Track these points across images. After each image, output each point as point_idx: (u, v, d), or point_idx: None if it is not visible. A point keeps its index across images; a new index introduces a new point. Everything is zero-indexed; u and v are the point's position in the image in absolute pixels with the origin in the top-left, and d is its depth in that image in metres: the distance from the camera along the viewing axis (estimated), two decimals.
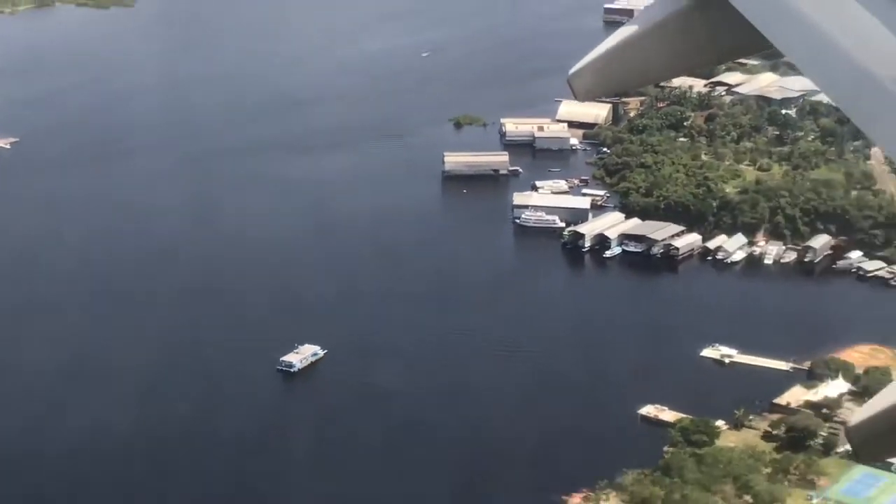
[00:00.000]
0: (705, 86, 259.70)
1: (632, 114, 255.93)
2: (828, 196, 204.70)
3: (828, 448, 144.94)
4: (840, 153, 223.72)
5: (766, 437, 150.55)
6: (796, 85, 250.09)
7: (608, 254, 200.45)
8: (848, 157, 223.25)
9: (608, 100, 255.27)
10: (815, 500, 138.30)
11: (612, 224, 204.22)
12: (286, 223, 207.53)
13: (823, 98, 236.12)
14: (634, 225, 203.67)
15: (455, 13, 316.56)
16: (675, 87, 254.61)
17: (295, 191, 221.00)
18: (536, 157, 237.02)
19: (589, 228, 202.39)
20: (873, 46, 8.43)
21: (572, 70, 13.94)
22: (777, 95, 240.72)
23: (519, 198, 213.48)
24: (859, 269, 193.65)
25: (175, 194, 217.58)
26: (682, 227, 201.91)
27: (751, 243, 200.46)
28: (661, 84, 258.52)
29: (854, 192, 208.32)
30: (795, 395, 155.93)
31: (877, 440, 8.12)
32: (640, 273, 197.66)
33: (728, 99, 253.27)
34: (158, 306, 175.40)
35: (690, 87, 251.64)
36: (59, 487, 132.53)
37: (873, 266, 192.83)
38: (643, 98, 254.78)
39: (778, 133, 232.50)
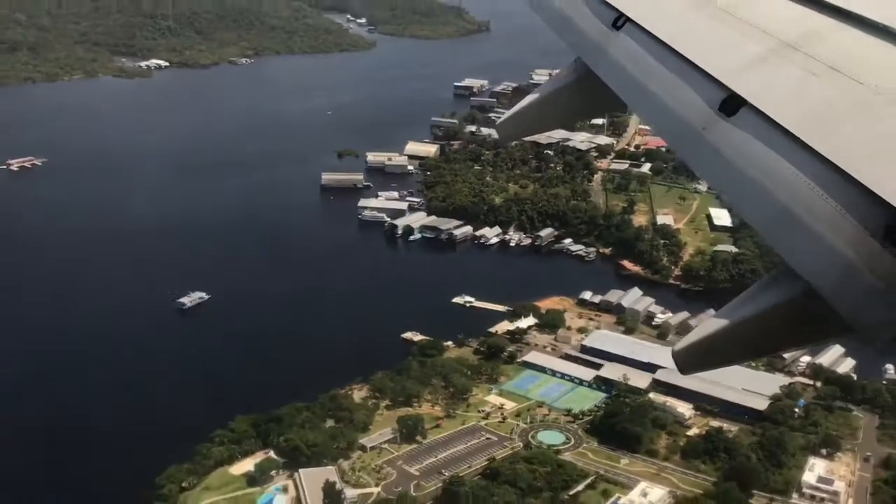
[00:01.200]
0: None
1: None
2: (555, 204, 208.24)
3: (511, 358, 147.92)
4: (573, 178, 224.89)
5: (475, 352, 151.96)
6: (556, 134, 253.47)
7: (411, 238, 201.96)
8: (577, 180, 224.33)
9: (438, 142, 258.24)
10: (493, 390, 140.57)
11: (418, 219, 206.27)
12: (205, 212, 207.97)
13: (571, 143, 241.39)
14: (431, 220, 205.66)
15: (352, 87, 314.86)
16: (482, 134, 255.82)
17: (219, 191, 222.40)
18: (385, 177, 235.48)
19: (401, 221, 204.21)
20: (687, 104, 8.16)
21: (499, 121, 14.04)
22: (543, 140, 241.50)
23: (363, 202, 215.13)
24: (568, 250, 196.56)
25: (133, 188, 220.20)
26: (461, 222, 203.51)
27: (504, 233, 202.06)
28: (472, 130, 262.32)
29: (573, 202, 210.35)
30: (502, 327, 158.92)
31: (693, 360, 7.48)
32: (430, 251, 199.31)
33: (513, 142, 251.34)
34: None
35: (489, 134, 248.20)
36: None
37: (577, 248, 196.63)
38: (460, 141, 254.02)
39: (538, 164, 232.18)
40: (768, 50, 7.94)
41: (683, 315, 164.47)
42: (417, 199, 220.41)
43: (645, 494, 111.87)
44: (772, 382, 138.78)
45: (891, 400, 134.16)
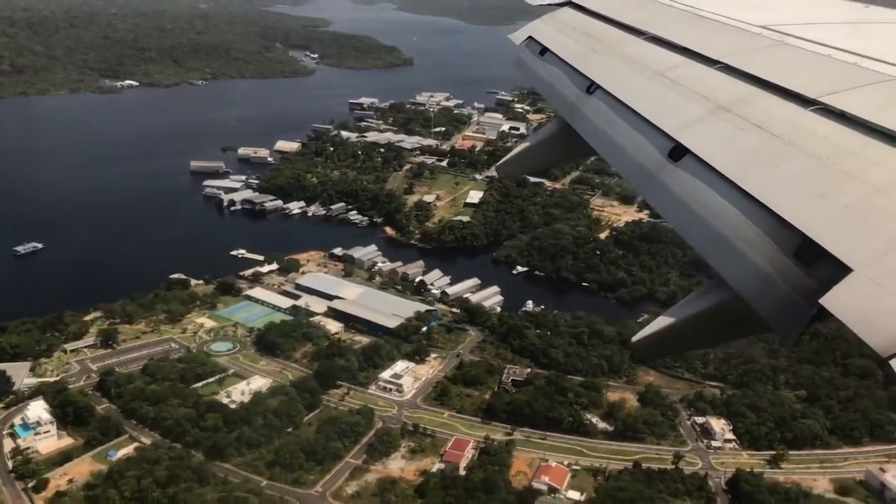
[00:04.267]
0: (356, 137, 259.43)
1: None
2: (353, 185, 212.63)
3: (238, 292, 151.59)
4: (384, 168, 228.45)
5: (216, 287, 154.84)
6: (394, 137, 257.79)
7: (233, 209, 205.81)
8: (386, 170, 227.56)
9: (298, 140, 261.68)
10: (206, 314, 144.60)
11: (244, 195, 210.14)
12: (82, 188, 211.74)
13: (403, 143, 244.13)
14: (252, 195, 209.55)
15: (271, 102, 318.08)
16: (333, 132, 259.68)
17: (107, 174, 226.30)
18: (251, 166, 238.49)
19: (228, 196, 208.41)
20: (643, 152, 8.33)
21: (497, 164, 14.39)
22: (382, 141, 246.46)
23: (207, 181, 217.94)
24: (349, 219, 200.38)
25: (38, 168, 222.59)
26: (274, 197, 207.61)
27: (307, 206, 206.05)
28: (334, 134, 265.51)
29: (370, 185, 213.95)
30: (255, 271, 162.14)
31: (647, 350, 7.63)
32: (243, 218, 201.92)
33: (357, 141, 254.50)
34: None
35: (348, 137, 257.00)
36: None
37: (356, 218, 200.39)
38: (322, 141, 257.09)
39: (364, 158, 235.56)
40: (707, 111, 8.27)
41: (397, 264, 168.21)
42: (256, 181, 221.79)
43: (249, 384, 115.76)
44: (415, 308, 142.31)
45: (497, 324, 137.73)
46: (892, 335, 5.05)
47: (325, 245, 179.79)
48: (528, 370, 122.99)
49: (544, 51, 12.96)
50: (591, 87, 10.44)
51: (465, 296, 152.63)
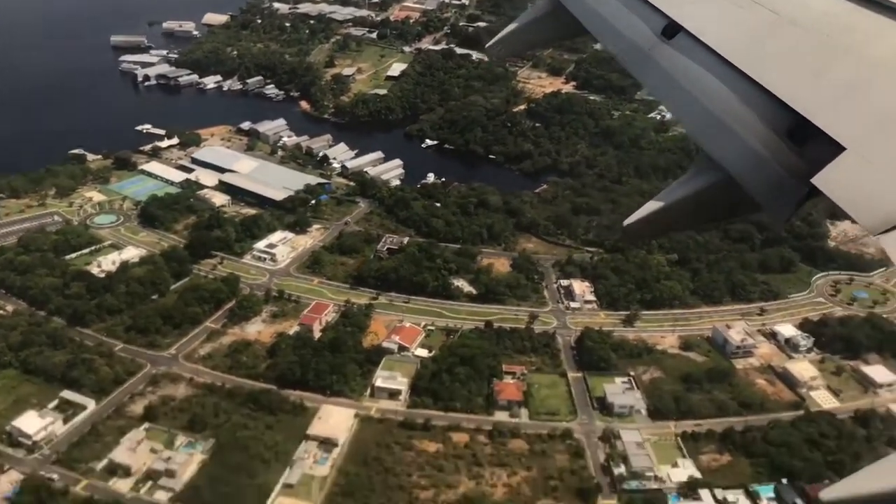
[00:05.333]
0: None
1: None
2: (269, 58, 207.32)
3: (134, 167, 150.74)
4: (310, 40, 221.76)
5: (112, 162, 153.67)
6: (325, 8, 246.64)
7: (147, 84, 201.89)
8: (311, 42, 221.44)
9: (229, 13, 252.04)
10: (98, 189, 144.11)
11: (159, 70, 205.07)
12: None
13: (335, 14, 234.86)
14: (167, 70, 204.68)
15: None
16: (265, 4, 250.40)
17: (27, 53, 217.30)
18: (175, 41, 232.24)
19: (144, 70, 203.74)
20: (636, 30, 8.16)
21: (488, 44, 13.08)
22: (313, 12, 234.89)
23: (124, 56, 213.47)
24: (265, 93, 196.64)
25: None
26: (190, 71, 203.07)
27: (224, 80, 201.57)
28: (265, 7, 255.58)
29: (287, 57, 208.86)
30: (157, 145, 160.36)
31: (639, 232, 7.52)
32: (157, 92, 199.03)
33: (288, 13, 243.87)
34: None
35: (278, 8, 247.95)
36: None
37: (272, 92, 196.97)
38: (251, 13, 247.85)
39: (292, 30, 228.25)
40: None
41: (303, 138, 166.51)
42: (175, 56, 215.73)
43: (120, 254, 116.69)
44: (306, 181, 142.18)
45: (387, 195, 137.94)
46: (882, 214, 5.03)
47: (235, 119, 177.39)
48: (406, 239, 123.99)
49: None
50: None
51: (365, 169, 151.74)
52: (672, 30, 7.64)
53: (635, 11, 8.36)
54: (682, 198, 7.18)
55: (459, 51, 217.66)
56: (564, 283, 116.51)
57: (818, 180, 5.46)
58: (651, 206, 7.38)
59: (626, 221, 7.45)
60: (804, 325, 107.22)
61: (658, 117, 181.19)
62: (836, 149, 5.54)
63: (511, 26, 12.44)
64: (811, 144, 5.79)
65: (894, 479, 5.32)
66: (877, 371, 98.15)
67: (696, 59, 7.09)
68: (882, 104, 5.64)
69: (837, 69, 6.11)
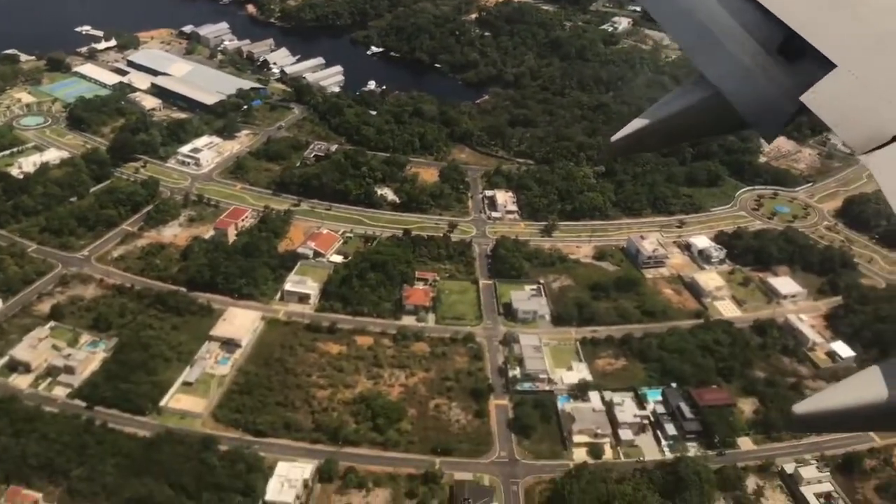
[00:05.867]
0: None
1: None
2: None
3: (68, 69, 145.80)
4: None
5: (45, 63, 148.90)
6: None
7: None
8: None
9: None
10: (28, 90, 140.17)
11: None
12: None
13: None
14: None
15: None
16: None
17: None
18: None
19: None
20: None
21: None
22: None
23: None
24: None
25: None
26: None
27: None
28: None
29: None
30: (93, 48, 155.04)
31: (625, 148, 7.43)
32: None
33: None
34: None
35: None
36: None
37: None
38: None
39: None
40: None
41: (245, 43, 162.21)
42: None
43: (42, 155, 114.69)
44: (241, 86, 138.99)
45: (321, 102, 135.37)
46: (868, 133, 5.02)
47: (178, 23, 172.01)
48: (335, 146, 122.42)
49: None
50: None
51: (304, 75, 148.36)
52: None
53: None
54: (668, 115, 6.97)
55: None
56: (489, 193, 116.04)
57: (807, 98, 5.39)
58: (637, 122, 7.14)
59: (613, 137, 7.37)
60: (719, 238, 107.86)
61: (610, 29, 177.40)
62: (826, 67, 5.47)
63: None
64: (802, 62, 5.69)
65: (863, 394, 5.36)
66: (782, 282, 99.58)
67: None
68: (875, 22, 5.58)
69: None
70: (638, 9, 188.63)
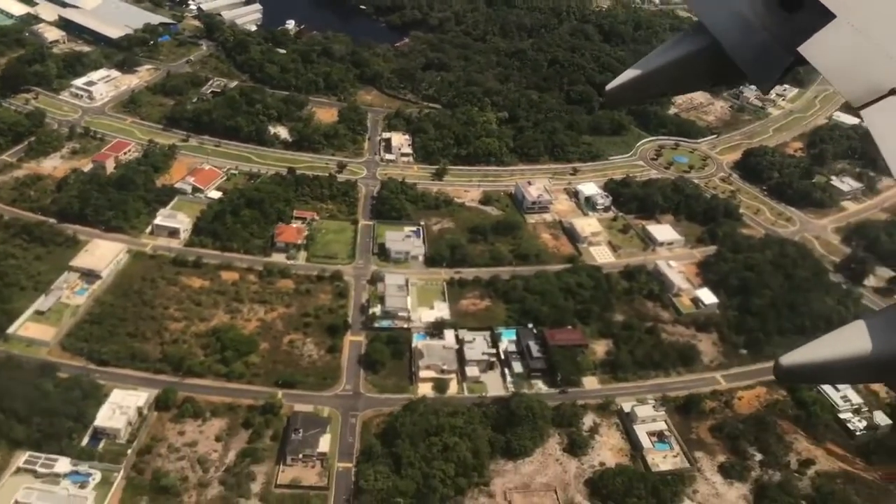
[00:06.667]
0: None
1: None
2: None
3: None
4: None
5: None
6: None
7: None
8: None
9: None
10: None
11: None
12: None
13: None
14: None
15: None
16: None
17: None
18: None
19: None
20: None
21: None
22: None
23: None
24: None
25: None
26: None
27: None
28: None
29: None
30: None
31: (619, 97, 7.31)
32: None
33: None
34: None
35: None
36: None
37: None
38: None
39: None
40: None
41: None
42: None
43: None
44: (151, 20, 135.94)
45: (229, 39, 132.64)
46: (866, 85, 4.94)
47: None
48: (235, 83, 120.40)
49: None
50: None
51: (221, 12, 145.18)
52: None
53: None
54: (664, 63, 6.88)
55: None
56: (385, 135, 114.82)
57: (805, 49, 5.30)
58: (633, 71, 7.04)
59: (609, 86, 7.22)
60: (608, 186, 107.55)
61: None
62: (826, 17, 5.35)
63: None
64: (802, 11, 5.55)
65: (847, 347, 5.39)
66: (661, 230, 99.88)
67: None
68: None
69: None
70: None
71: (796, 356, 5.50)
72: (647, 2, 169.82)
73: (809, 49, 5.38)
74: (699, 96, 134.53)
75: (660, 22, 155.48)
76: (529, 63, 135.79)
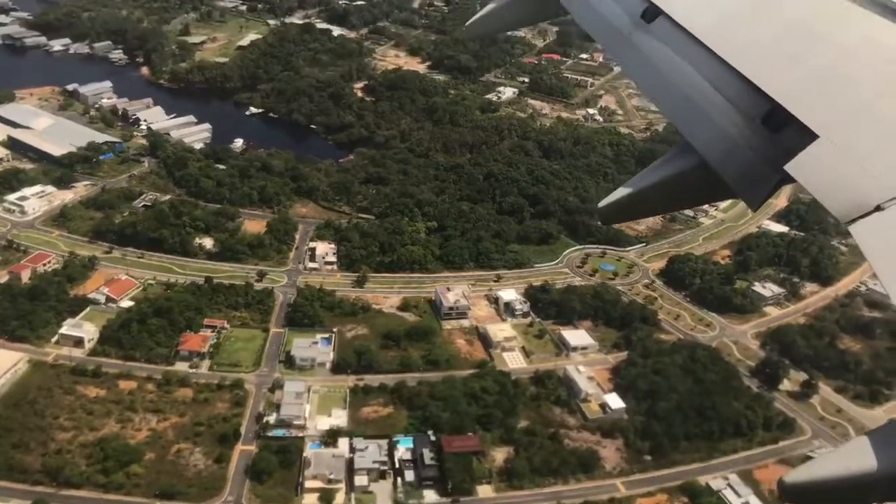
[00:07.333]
0: None
1: None
2: (121, 23, 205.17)
3: None
4: (166, 9, 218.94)
5: None
6: None
7: None
8: (171, 10, 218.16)
9: None
10: None
11: (7, 31, 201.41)
12: None
13: None
14: (15, 30, 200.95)
15: None
16: None
17: None
18: (47, 5, 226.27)
19: None
20: (616, 13, 8.19)
21: (466, 24, 13.16)
22: None
23: None
24: (110, 57, 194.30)
25: None
26: (39, 34, 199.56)
27: (72, 44, 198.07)
28: None
29: (145, 24, 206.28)
30: None
31: (613, 216, 7.47)
32: (4, 54, 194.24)
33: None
34: None
35: None
36: None
37: (115, 57, 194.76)
38: None
39: None
40: None
41: (122, 101, 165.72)
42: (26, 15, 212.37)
43: None
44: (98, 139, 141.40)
45: (169, 156, 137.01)
46: (851, 202, 4.92)
47: (68, 81, 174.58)
48: (168, 196, 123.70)
49: None
50: None
51: (171, 131, 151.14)
52: (652, 14, 7.56)
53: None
54: (656, 182, 7.02)
55: (322, 26, 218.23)
56: (312, 245, 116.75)
57: (791, 167, 5.41)
58: (624, 189, 7.17)
59: (600, 204, 7.32)
60: (528, 291, 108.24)
61: (495, 98, 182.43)
62: (809, 136, 5.47)
63: (490, 6, 12.25)
64: (785, 131, 5.72)
65: (852, 463, 5.23)
66: (575, 335, 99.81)
67: (675, 43, 7.02)
68: (854, 94, 5.61)
69: (811, 58, 6.08)
70: (526, 80, 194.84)
71: (800, 474, 5.35)
72: (590, 119, 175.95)
73: (795, 167, 5.46)
74: None
75: (599, 138, 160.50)
76: (465, 176, 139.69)
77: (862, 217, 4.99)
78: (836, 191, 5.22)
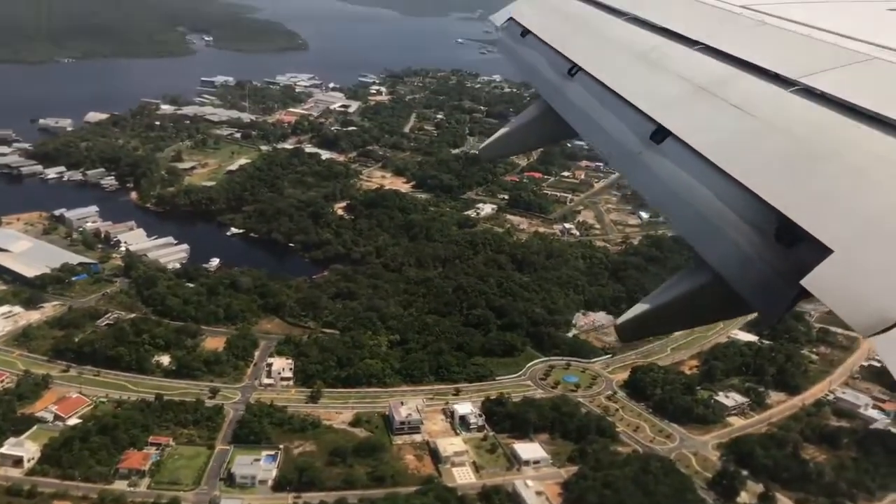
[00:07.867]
0: None
1: None
2: (116, 151, 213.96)
3: None
4: (161, 138, 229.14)
5: None
6: (209, 110, 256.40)
7: None
8: (167, 139, 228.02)
9: (113, 112, 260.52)
10: None
11: (7, 160, 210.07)
12: None
13: (214, 117, 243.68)
14: (13, 160, 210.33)
15: (106, 80, 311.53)
16: (153, 106, 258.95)
17: None
18: (50, 136, 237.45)
19: None
20: (626, 134, 8.32)
21: (480, 147, 13.95)
22: (190, 112, 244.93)
23: None
24: (101, 183, 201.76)
25: None
26: (35, 163, 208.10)
27: (66, 171, 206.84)
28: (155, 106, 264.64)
29: (140, 152, 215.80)
30: None
31: (631, 332, 7.47)
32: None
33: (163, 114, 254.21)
34: None
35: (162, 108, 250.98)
36: None
37: (107, 182, 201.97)
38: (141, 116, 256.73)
39: (160, 127, 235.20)
40: (687, 92, 8.16)
41: (106, 224, 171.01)
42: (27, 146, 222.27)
43: None
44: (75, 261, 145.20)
45: (138, 276, 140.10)
46: (871, 316, 4.90)
47: (57, 207, 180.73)
48: (133, 315, 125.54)
49: (525, 32, 12.73)
50: (573, 69, 10.15)
51: (148, 253, 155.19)
52: (661, 134, 7.68)
53: (625, 117, 8.41)
54: (672, 299, 7.08)
55: (311, 150, 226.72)
56: (269, 360, 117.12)
57: (808, 282, 5.31)
58: (640, 307, 7.24)
59: (619, 321, 7.36)
60: (483, 405, 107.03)
61: (474, 214, 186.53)
62: (823, 251, 5.39)
63: (503, 129, 13.03)
64: (799, 246, 5.64)
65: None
66: (528, 449, 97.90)
67: (685, 163, 7.08)
68: (864, 209, 5.60)
69: (820, 174, 6.12)
70: (506, 196, 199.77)
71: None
72: (566, 234, 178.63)
73: (812, 282, 5.30)
74: (603, 318, 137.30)
75: (573, 251, 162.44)
76: (434, 289, 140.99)
77: (883, 331, 4.87)
78: (854, 306, 5.09)
